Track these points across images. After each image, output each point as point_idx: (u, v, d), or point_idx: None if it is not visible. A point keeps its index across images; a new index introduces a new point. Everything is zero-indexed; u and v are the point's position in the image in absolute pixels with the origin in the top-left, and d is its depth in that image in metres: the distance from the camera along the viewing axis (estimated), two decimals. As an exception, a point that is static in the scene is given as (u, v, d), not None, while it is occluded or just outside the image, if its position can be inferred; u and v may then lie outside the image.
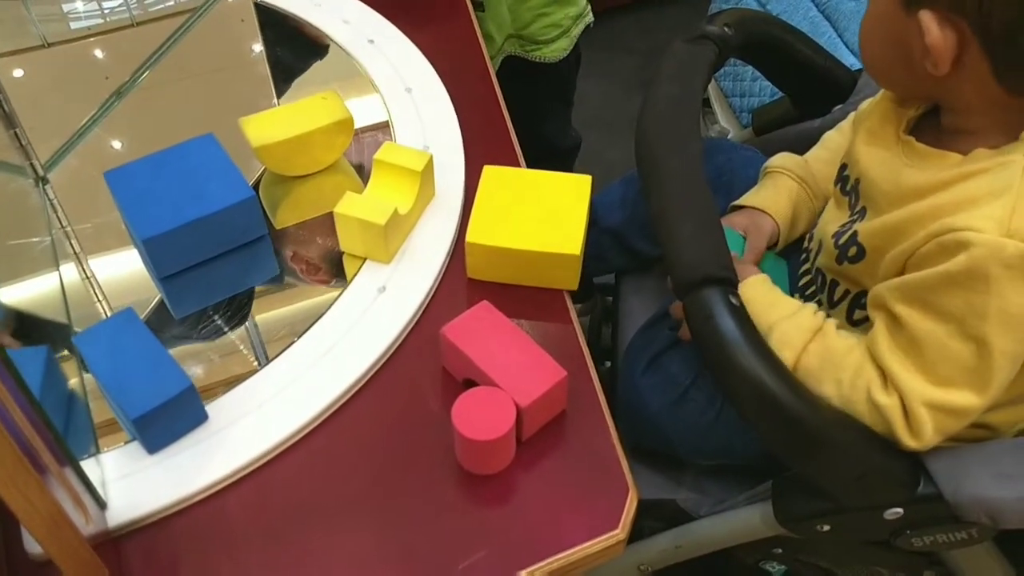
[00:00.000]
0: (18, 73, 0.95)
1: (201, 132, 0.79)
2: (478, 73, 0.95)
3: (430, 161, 0.77)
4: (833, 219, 0.80)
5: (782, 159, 0.92)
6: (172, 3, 1.01)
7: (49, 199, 0.82)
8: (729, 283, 0.69)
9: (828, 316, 0.75)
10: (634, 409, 0.87)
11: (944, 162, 0.67)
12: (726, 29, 0.87)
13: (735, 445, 0.83)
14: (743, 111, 1.42)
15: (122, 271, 0.78)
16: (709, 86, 1.54)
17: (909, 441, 0.66)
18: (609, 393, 0.73)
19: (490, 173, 0.79)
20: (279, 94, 0.93)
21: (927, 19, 0.61)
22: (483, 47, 0.98)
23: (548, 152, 1.55)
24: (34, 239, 0.79)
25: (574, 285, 0.76)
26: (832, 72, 0.97)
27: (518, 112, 1.44)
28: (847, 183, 0.79)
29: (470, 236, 0.74)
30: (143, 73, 0.93)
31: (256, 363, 0.70)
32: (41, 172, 0.82)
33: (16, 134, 0.78)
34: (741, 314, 0.67)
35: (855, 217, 0.76)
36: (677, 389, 0.86)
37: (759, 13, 0.97)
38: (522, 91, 1.35)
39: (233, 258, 0.77)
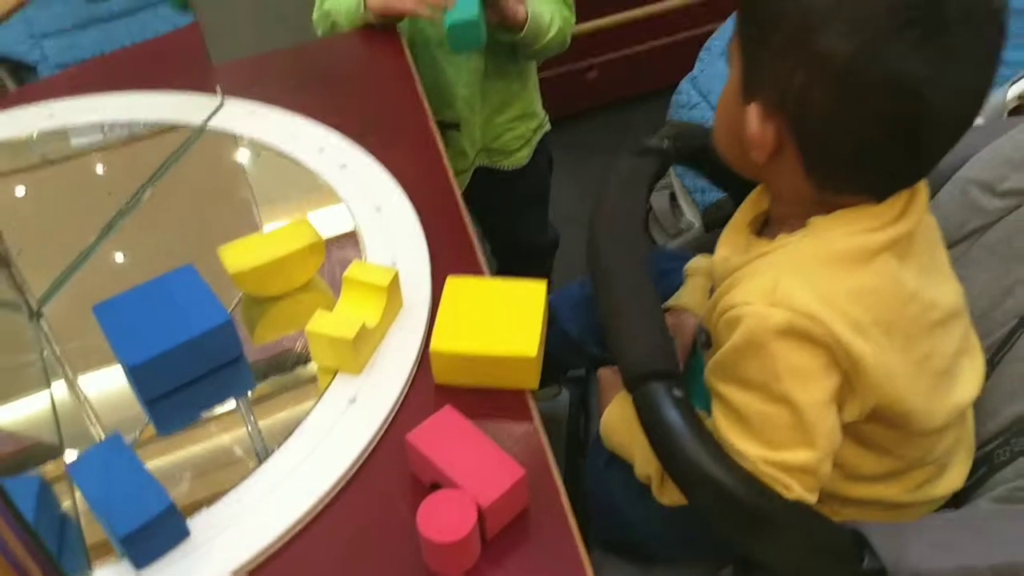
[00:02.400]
0: (20, 191, 1.03)
1: (188, 257, 0.85)
2: (442, 189, 1.02)
3: (396, 276, 0.83)
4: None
5: (696, 260, 1.00)
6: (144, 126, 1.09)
7: (43, 331, 0.87)
8: (673, 377, 0.74)
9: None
10: (601, 503, 0.91)
11: (756, 246, 0.75)
12: (666, 142, 0.95)
13: (697, 536, 0.87)
14: (704, 205, 1.49)
15: (112, 392, 0.83)
16: (675, 184, 1.62)
17: (786, 495, 0.70)
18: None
19: (452, 283, 0.85)
20: (259, 219, 1.00)
21: (752, 111, 0.68)
22: (446, 164, 1.05)
23: (528, 250, 1.64)
24: (26, 364, 0.85)
25: (534, 385, 0.81)
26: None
27: (496, 215, 1.54)
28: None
29: (434, 345, 0.79)
30: (131, 211, 0.99)
31: (236, 477, 0.74)
32: (36, 308, 0.88)
33: (11, 273, 0.84)
34: (684, 406, 0.72)
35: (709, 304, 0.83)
36: (638, 482, 0.91)
37: (696, 126, 1.05)
38: (499, 196, 1.45)
39: (213, 378, 0.82)
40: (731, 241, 0.80)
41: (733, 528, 0.74)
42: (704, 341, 0.81)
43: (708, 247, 1.05)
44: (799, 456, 0.69)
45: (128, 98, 1.09)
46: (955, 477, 0.83)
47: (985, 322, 0.92)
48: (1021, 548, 0.68)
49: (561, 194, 1.64)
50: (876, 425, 0.73)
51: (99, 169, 1.08)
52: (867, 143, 0.66)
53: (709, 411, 0.78)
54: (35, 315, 0.88)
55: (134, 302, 0.82)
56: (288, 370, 0.85)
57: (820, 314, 0.66)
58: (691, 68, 1.86)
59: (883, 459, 0.77)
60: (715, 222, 1.11)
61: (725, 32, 1.55)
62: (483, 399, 0.80)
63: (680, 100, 1.56)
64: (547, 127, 1.46)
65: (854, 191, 0.70)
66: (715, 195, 1.49)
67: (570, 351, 1.04)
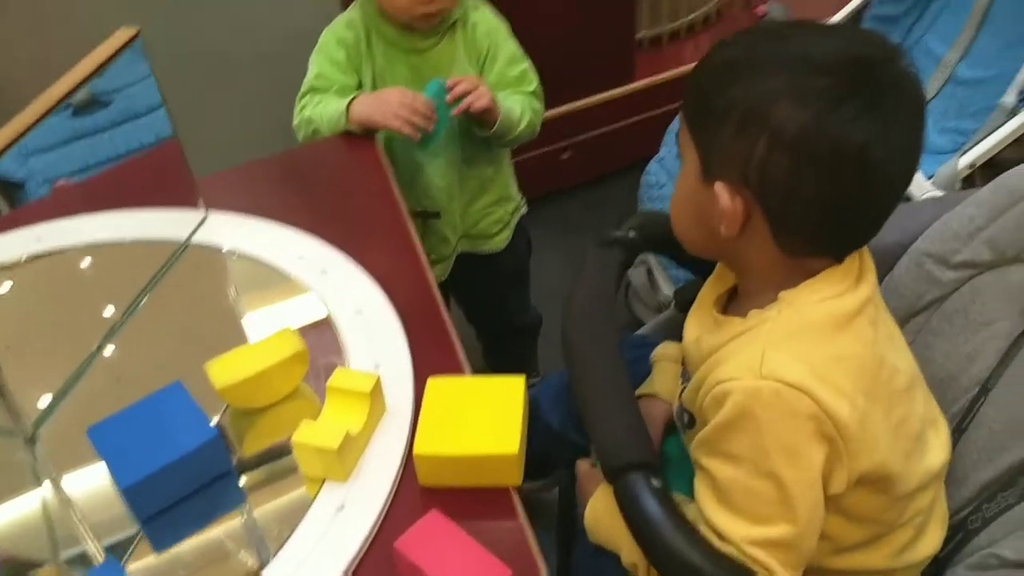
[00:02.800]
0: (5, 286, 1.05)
1: (176, 370, 0.89)
2: (421, 288, 1.05)
3: (378, 382, 0.86)
4: (677, 393, 0.91)
5: (663, 347, 1.04)
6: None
7: (36, 458, 0.90)
8: (649, 467, 0.77)
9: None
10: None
11: (729, 326, 0.79)
12: (631, 233, 0.99)
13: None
14: (679, 281, 1.53)
15: (107, 509, 0.85)
16: (651, 259, 1.67)
17: None
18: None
19: (433, 385, 0.88)
20: (243, 329, 1.03)
21: (720, 188, 0.74)
22: (425, 264, 1.09)
23: (512, 330, 1.68)
24: (21, 486, 0.87)
25: (518, 481, 0.84)
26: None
27: (479, 298, 1.58)
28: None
29: (417, 448, 0.82)
30: (120, 329, 1.02)
31: (231, 591, 0.76)
32: (30, 433, 0.90)
33: (5, 400, 0.87)
34: (662, 495, 0.76)
35: (684, 386, 0.87)
36: (622, 570, 0.93)
37: (660, 214, 1.10)
38: (481, 279, 1.50)
39: (205, 492, 0.84)
40: (699, 322, 0.85)
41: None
42: (686, 422, 0.84)
43: (678, 329, 1.09)
44: (779, 530, 0.72)
45: (113, 217, 1.13)
46: (932, 540, 0.85)
47: (950, 390, 0.96)
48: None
49: (542, 272, 1.67)
50: (860, 493, 0.76)
51: (87, 289, 1.11)
52: (826, 204, 0.72)
53: (686, 493, 0.81)
54: (30, 440, 0.90)
55: (126, 423, 0.84)
56: (278, 479, 0.87)
57: (806, 384, 0.70)
58: (659, 142, 1.94)
59: (865, 526, 0.80)
60: (687, 303, 1.14)
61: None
62: (468, 499, 0.82)
63: (649, 180, 1.61)
64: (524, 209, 1.52)
65: (818, 253, 0.76)
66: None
67: (555, 442, 1.06)
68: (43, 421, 0.93)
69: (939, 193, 1.38)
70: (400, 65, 1.34)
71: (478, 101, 1.25)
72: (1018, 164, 0.94)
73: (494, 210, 1.46)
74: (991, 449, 0.90)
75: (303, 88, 1.34)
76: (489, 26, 1.36)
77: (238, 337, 1.02)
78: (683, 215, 0.82)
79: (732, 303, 0.85)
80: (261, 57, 1.90)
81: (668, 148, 1.61)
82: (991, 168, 1.33)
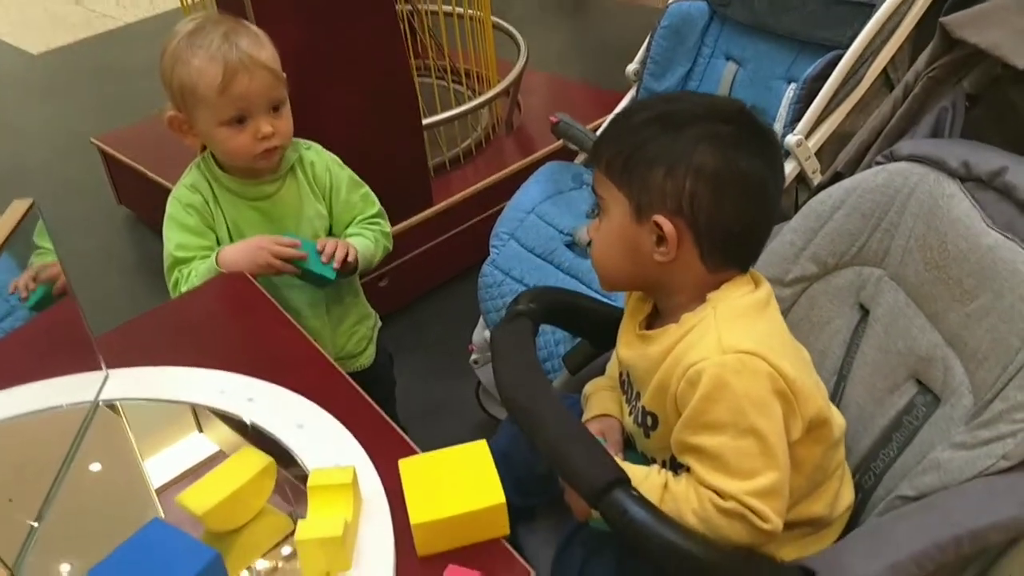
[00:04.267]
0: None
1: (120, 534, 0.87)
2: (346, 391, 1.11)
3: (355, 472, 0.92)
4: (624, 412, 1.06)
5: (592, 383, 1.17)
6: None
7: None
8: (624, 481, 0.88)
9: (666, 469, 0.97)
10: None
11: (667, 334, 0.96)
12: (531, 305, 1.12)
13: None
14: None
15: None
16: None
17: (765, 527, 0.86)
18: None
19: (405, 465, 0.94)
20: (191, 466, 1.04)
21: (660, 219, 0.91)
22: (336, 367, 1.15)
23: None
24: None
25: (506, 530, 0.91)
26: (608, 313, 1.23)
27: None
28: (623, 380, 1.06)
29: (414, 519, 0.88)
30: (51, 504, 1.00)
31: None
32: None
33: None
34: (644, 502, 0.87)
35: (633, 401, 1.02)
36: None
37: (549, 287, 1.24)
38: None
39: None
40: (630, 347, 1.00)
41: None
42: (650, 424, 0.97)
43: (577, 387, 1.22)
44: (769, 478, 0.86)
45: (9, 394, 1.10)
46: (849, 489, 1.03)
47: (815, 383, 1.15)
48: (919, 538, 0.86)
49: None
50: (807, 442, 0.93)
51: (3, 469, 1.07)
52: (740, 224, 0.93)
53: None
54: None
55: (116, 566, 0.83)
56: (275, 589, 0.89)
57: (759, 351, 0.88)
58: (470, 254, 2.10)
59: (808, 476, 0.96)
60: (578, 364, 1.27)
61: (506, 220, 1.78)
62: (468, 557, 0.88)
63: (487, 281, 1.75)
64: (379, 323, 1.61)
65: (731, 265, 0.96)
66: (543, 353, 1.67)
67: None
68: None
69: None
70: (251, 213, 1.41)
71: (350, 253, 1.39)
72: (856, 130, 1.19)
73: (358, 329, 1.55)
74: (863, 419, 1.09)
75: (167, 261, 1.38)
76: (325, 161, 1.48)
77: (187, 477, 1.02)
78: (612, 254, 0.98)
79: (655, 322, 1.01)
80: None
81: (497, 250, 1.76)
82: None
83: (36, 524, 0.97)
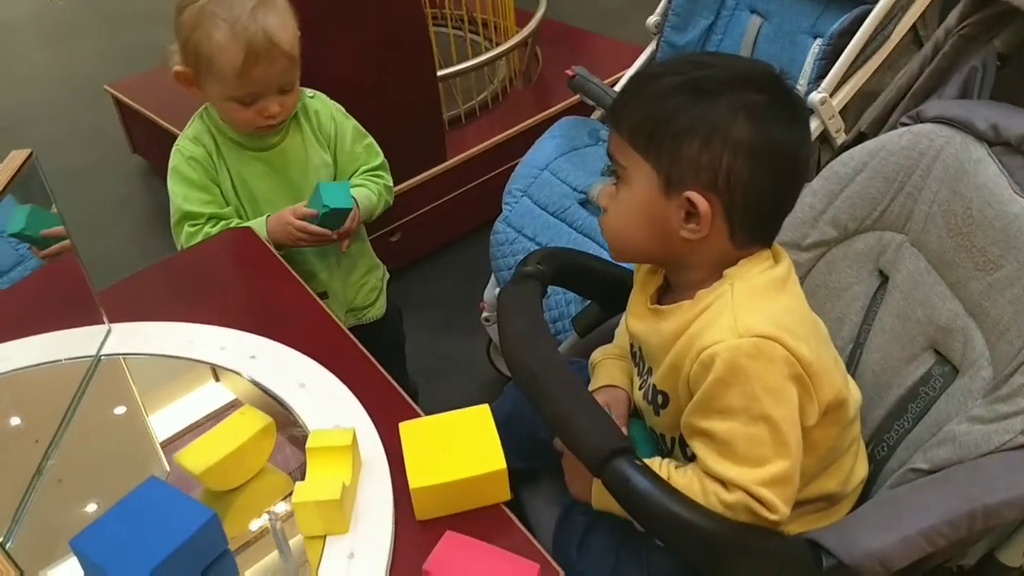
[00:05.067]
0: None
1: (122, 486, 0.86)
2: (349, 350, 1.10)
3: (354, 434, 0.90)
4: (634, 386, 1.02)
5: (600, 350, 1.13)
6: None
7: (5, 586, 0.85)
8: (628, 450, 0.86)
9: (670, 459, 0.94)
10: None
11: (681, 310, 0.91)
12: (539, 266, 1.09)
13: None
14: (549, 323, 1.64)
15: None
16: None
17: (771, 517, 0.84)
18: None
19: (406, 428, 0.92)
20: (189, 423, 1.02)
21: (694, 196, 0.86)
22: (342, 327, 1.13)
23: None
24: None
25: (507, 496, 0.89)
26: (619, 276, 1.20)
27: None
28: (634, 352, 1.02)
29: (413, 483, 0.86)
30: (51, 456, 0.99)
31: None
32: (-6, 564, 0.86)
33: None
34: (647, 471, 0.84)
35: (645, 375, 0.98)
36: (608, 566, 1.00)
37: (558, 248, 1.20)
38: (368, 351, 1.54)
39: (206, 576, 0.84)
40: (641, 319, 0.96)
41: (713, 564, 0.86)
42: (660, 403, 0.93)
43: (585, 350, 1.19)
44: (778, 467, 0.83)
45: (8, 348, 1.09)
46: (863, 464, 1.00)
47: (830, 350, 1.12)
48: (931, 512, 0.84)
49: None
50: (823, 424, 0.89)
51: (5, 421, 1.06)
52: (773, 197, 0.89)
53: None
54: (-7, 573, 0.86)
55: (111, 525, 0.82)
56: (272, 550, 0.88)
57: (776, 334, 0.83)
58: (483, 210, 2.07)
59: (823, 455, 0.93)
60: (587, 327, 1.25)
61: (520, 177, 1.75)
62: (467, 522, 0.87)
63: (499, 239, 1.72)
64: (388, 275, 1.59)
65: (758, 240, 0.91)
66: (554, 312, 1.64)
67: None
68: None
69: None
70: (255, 164, 1.39)
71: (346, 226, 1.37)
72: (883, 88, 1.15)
73: (367, 279, 1.54)
74: (879, 388, 1.06)
75: (175, 215, 1.36)
76: (330, 109, 1.45)
77: (182, 434, 1.01)
78: (632, 226, 0.92)
79: (665, 296, 0.97)
80: None
81: (509, 207, 1.73)
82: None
83: (37, 478, 0.96)
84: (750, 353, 0.83)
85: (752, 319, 0.85)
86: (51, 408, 1.04)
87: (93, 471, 1.00)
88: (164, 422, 1.05)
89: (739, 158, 0.85)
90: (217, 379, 1.08)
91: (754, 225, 0.90)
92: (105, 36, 3.92)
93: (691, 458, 0.92)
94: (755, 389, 0.83)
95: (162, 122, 2.52)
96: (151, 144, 2.81)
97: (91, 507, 0.95)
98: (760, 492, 0.83)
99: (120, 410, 1.08)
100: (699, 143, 0.85)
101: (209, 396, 1.06)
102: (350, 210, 1.35)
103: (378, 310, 1.56)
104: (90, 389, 1.07)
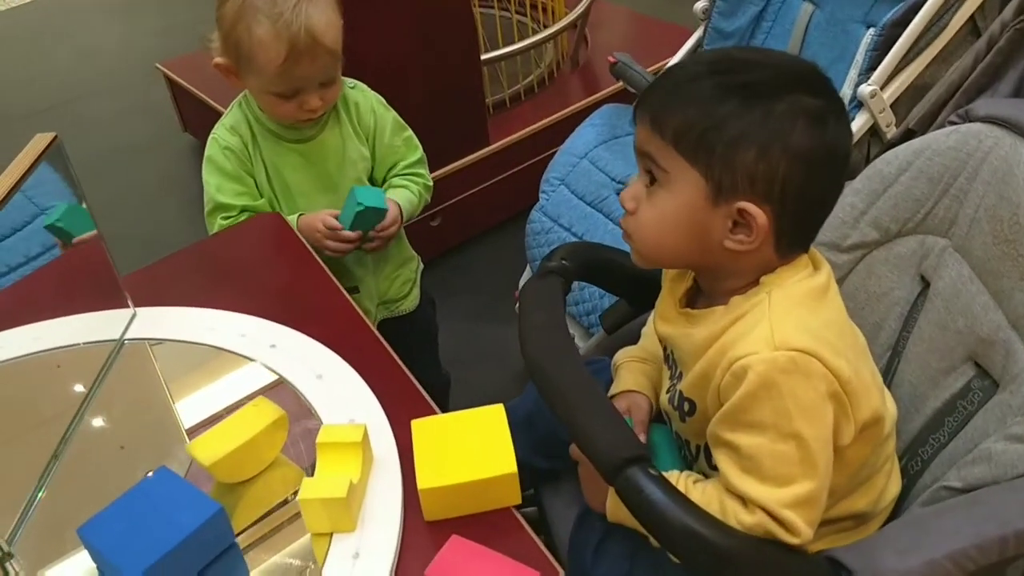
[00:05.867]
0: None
1: (140, 465, 0.86)
2: (370, 343, 1.09)
3: (365, 431, 0.89)
4: (663, 388, 0.99)
5: (623, 352, 1.10)
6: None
7: (16, 571, 0.86)
8: (643, 459, 0.83)
9: (691, 471, 0.91)
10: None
11: (713, 316, 0.87)
12: (563, 262, 1.06)
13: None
14: (581, 316, 1.62)
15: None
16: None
17: (793, 540, 0.80)
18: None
19: (418, 426, 0.91)
20: (205, 412, 1.02)
21: (749, 207, 0.82)
22: (365, 320, 1.12)
23: (427, 391, 1.71)
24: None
25: (517, 499, 0.87)
26: (648, 273, 1.16)
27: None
28: (667, 355, 0.98)
29: (421, 483, 0.85)
30: (71, 438, 1.00)
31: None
32: (6, 548, 0.86)
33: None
34: (661, 481, 0.81)
35: (675, 380, 0.95)
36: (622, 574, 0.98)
37: (585, 243, 1.17)
38: (398, 342, 1.53)
39: (211, 570, 0.83)
40: (669, 322, 0.93)
41: (728, 578, 0.83)
42: (687, 410, 0.91)
43: (611, 349, 1.16)
44: (804, 487, 0.80)
45: (35, 329, 1.10)
46: (897, 482, 0.96)
47: (865, 358, 1.07)
48: (960, 536, 0.80)
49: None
50: (858, 443, 0.86)
51: (26, 402, 1.07)
52: (826, 201, 0.86)
53: (679, 469, 0.88)
54: (5, 556, 0.86)
55: (119, 515, 0.82)
56: (279, 545, 0.87)
57: (814, 348, 0.79)
58: (524, 197, 2.05)
59: (854, 474, 0.89)
60: (615, 324, 1.22)
61: (558, 165, 1.72)
62: (475, 525, 0.85)
63: (534, 228, 1.70)
64: (422, 266, 1.58)
65: (801, 247, 0.88)
66: (587, 306, 1.62)
67: (520, 470, 1.10)
68: (15, 536, 0.89)
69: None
70: (292, 155, 1.37)
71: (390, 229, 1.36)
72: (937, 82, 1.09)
73: (401, 272, 1.52)
74: (915, 399, 1.02)
75: (208, 204, 1.36)
76: (370, 101, 1.42)
77: (199, 422, 1.01)
78: (669, 233, 0.87)
79: (697, 299, 0.94)
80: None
81: (546, 196, 1.70)
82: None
83: (53, 462, 0.97)
84: (785, 368, 0.79)
85: (790, 331, 0.81)
86: (73, 391, 1.04)
87: (111, 456, 1.00)
88: (184, 409, 1.05)
89: (796, 166, 0.81)
90: (240, 367, 1.07)
91: (801, 233, 0.86)
92: (165, 14, 3.96)
93: (716, 467, 0.89)
94: (787, 405, 0.79)
95: (211, 102, 2.54)
96: (201, 123, 2.84)
97: (106, 494, 0.94)
98: (782, 514, 0.79)
99: (142, 395, 1.08)
100: (756, 151, 0.80)
101: (228, 384, 1.06)
102: (384, 211, 1.33)
103: (411, 302, 1.54)
104: (113, 373, 1.08)
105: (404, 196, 1.41)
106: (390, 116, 1.44)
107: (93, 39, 3.88)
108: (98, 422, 1.03)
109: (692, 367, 0.88)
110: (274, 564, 0.87)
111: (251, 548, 0.87)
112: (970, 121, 1.01)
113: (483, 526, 0.85)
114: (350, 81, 1.42)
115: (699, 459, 0.95)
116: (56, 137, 1.01)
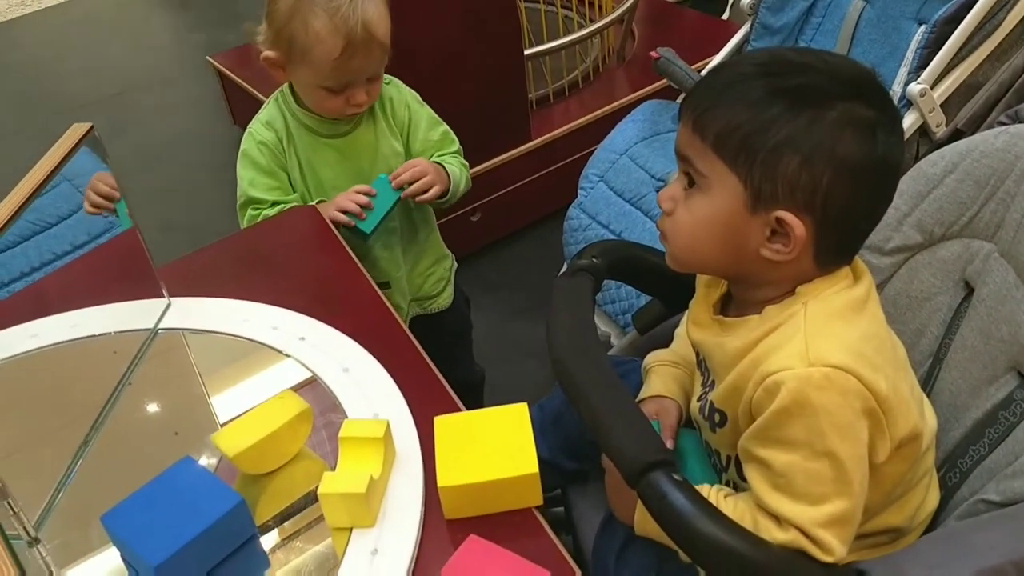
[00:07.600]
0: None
1: (164, 458, 0.87)
2: (398, 339, 1.08)
3: (388, 426, 0.88)
4: (695, 395, 0.96)
5: (654, 355, 1.08)
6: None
7: (43, 556, 0.87)
8: (668, 464, 0.81)
9: (720, 480, 0.89)
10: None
11: (747, 326, 0.84)
12: (594, 260, 1.05)
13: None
14: (617, 315, 1.60)
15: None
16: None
17: (826, 558, 0.78)
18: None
19: (440, 423, 0.90)
20: (232, 403, 1.03)
21: (789, 217, 0.78)
22: (395, 315, 1.12)
23: (460, 387, 1.69)
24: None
25: (539, 500, 0.86)
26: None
27: (432, 359, 1.60)
28: (700, 361, 0.96)
29: (441, 481, 0.84)
30: (102, 425, 1.01)
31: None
32: (33, 534, 0.87)
33: (9, 504, 0.84)
34: (686, 487, 0.79)
35: (707, 389, 0.92)
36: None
37: (617, 241, 1.16)
38: (430, 339, 1.52)
39: (230, 562, 0.83)
40: (702, 328, 0.91)
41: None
42: (717, 421, 0.89)
43: (643, 349, 1.14)
44: (838, 506, 0.77)
45: (72, 317, 1.11)
46: (935, 496, 0.93)
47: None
48: (994, 552, 0.77)
49: (473, 332, 1.72)
50: (895, 459, 0.83)
51: (60, 389, 1.09)
52: (873, 214, 0.83)
53: (710, 482, 0.85)
54: (32, 542, 0.88)
55: (142, 503, 0.83)
56: (300, 537, 0.87)
57: (850, 365, 0.76)
58: (565, 193, 2.03)
59: (890, 489, 0.86)
60: (648, 324, 1.20)
61: (597, 161, 1.70)
62: (495, 525, 0.85)
63: (572, 225, 1.68)
64: (456, 264, 1.57)
65: (842, 260, 0.84)
66: (624, 304, 1.60)
67: (546, 470, 1.08)
68: (43, 522, 0.90)
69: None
70: (326, 151, 1.37)
71: (430, 191, 1.33)
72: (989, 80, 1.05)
73: (435, 269, 1.51)
74: (956, 409, 0.99)
75: (240, 198, 1.37)
76: (405, 98, 1.42)
77: (228, 412, 1.02)
78: (705, 238, 0.84)
79: (730, 305, 0.91)
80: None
81: (585, 193, 1.69)
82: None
83: (83, 448, 0.98)
84: (820, 385, 0.76)
85: (825, 346, 0.78)
86: (107, 379, 1.05)
87: (141, 444, 1.01)
88: (215, 400, 1.06)
89: (842, 178, 0.77)
90: (272, 359, 1.08)
91: (843, 246, 0.83)
92: (218, 6, 4.01)
93: (746, 479, 0.87)
94: (821, 423, 0.76)
95: (260, 95, 2.56)
96: (250, 116, 2.83)
97: (135, 482, 0.95)
98: (816, 533, 0.77)
99: (176, 384, 1.09)
100: (799, 160, 0.77)
101: (258, 377, 1.06)
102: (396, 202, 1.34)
103: (445, 300, 1.53)
104: (147, 362, 1.09)
105: (448, 168, 1.39)
106: (424, 112, 1.43)
107: (148, 31, 3.94)
108: (130, 410, 1.04)
109: (724, 378, 0.86)
110: (298, 553, 0.87)
111: (271, 541, 0.87)
112: (1020, 122, 0.98)
113: (504, 526, 0.85)
114: (385, 77, 1.42)
115: (729, 469, 0.93)
116: (92, 128, 1.02)
